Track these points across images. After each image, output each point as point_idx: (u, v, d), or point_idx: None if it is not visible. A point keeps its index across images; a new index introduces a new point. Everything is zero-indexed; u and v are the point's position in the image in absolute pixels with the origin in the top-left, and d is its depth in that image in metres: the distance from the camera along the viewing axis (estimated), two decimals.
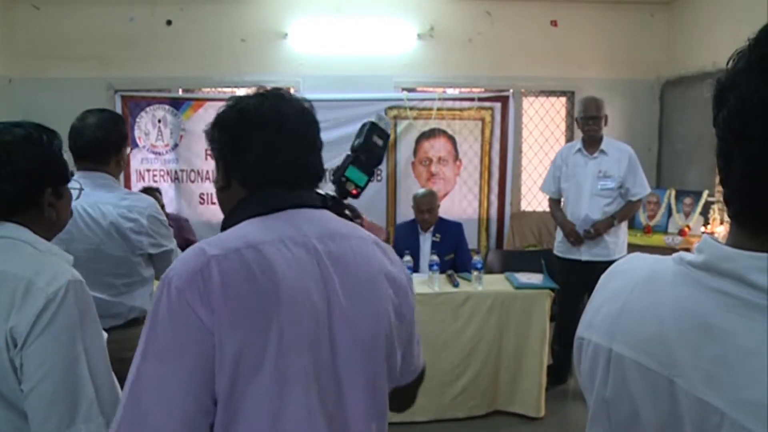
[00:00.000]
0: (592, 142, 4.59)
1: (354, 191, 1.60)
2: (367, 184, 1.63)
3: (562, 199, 4.82)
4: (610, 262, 3.43)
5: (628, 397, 0.89)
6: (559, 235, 4.76)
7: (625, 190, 4.54)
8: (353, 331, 1.22)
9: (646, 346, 0.86)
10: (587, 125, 4.54)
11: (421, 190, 5.05)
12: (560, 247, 4.72)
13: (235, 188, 1.30)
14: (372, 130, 1.67)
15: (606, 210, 4.54)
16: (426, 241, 4.83)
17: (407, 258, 4.32)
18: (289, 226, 1.24)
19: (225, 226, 1.27)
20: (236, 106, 1.33)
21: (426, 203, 4.83)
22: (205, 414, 1.08)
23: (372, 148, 1.65)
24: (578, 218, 4.57)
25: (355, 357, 1.21)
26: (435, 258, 4.26)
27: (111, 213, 2.50)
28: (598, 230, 4.50)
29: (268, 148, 1.28)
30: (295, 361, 1.13)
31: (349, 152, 1.65)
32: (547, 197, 4.92)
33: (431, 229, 4.85)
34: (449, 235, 4.85)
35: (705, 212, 5.81)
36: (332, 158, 1.70)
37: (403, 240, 4.87)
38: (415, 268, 4.66)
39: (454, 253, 4.79)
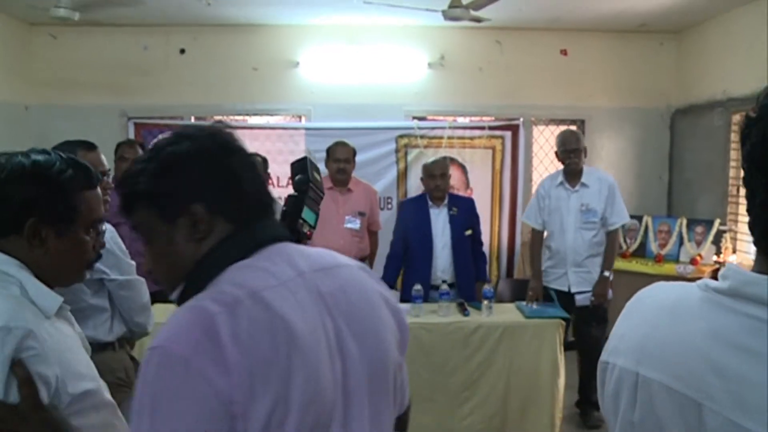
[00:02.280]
0: (573, 175, 4.59)
1: (309, 233, 1.49)
2: (316, 223, 1.53)
3: (545, 232, 4.78)
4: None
5: (655, 419, 0.90)
6: (543, 264, 4.75)
7: (604, 219, 4.54)
8: (365, 376, 1.12)
9: (674, 370, 0.88)
10: (568, 158, 4.54)
11: (431, 158, 4.81)
12: (547, 276, 4.69)
13: (220, 227, 1.14)
14: (311, 166, 1.57)
15: (593, 241, 4.53)
16: (440, 215, 4.57)
17: (417, 287, 4.24)
18: (285, 265, 1.11)
19: (198, 279, 1.11)
20: (196, 140, 1.16)
21: (439, 168, 4.55)
22: None
23: (316, 183, 1.56)
24: (564, 251, 4.56)
25: (365, 402, 1.12)
26: (445, 287, 4.23)
27: None
28: (602, 296, 4.52)
29: (253, 178, 1.17)
30: (316, 416, 1.02)
31: (293, 193, 1.53)
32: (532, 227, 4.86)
33: (445, 202, 4.60)
34: (464, 209, 4.64)
35: (717, 241, 5.78)
36: None
37: (411, 217, 4.62)
38: (427, 247, 4.50)
39: (471, 229, 4.62)
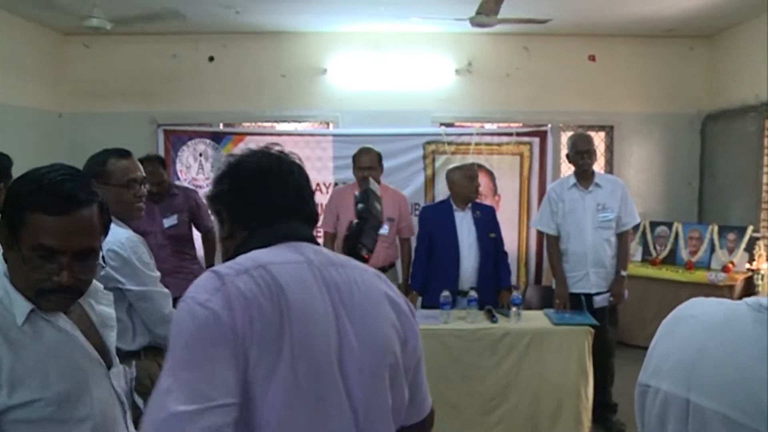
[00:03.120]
0: (585, 177, 4.57)
1: (366, 256, 1.68)
2: (374, 247, 1.73)
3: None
4: None
5: None
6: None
7: (618, 218, 4.52)
8: (361, 360, 1.26)
9: (731, 398, 0.83)
10: (582, 159, 4.52)
11: (457, 163, 4.92)
12: (567, 281, 4.64)
13: (239, 235, 1.40)
14: (373, 196, 1.78)
15: (612, 240, 4.52)
16: (464, 219, 4.57)
17: (445, 293, 4.22)
18: (294, 253, 1.32)
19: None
20: (249, 160, 1.44)
21: (471, 169, 4.65)
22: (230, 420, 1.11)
23: (375, 212, 1.77)
24: (583, 251, 4.53)
25: (362, 385, 1.26)
26: (473, 293, 4.22)
27: None
28: (620, 295, 4.51)
29: (278, 192, 1.40)
30: (304, 377, 1.19)
31: (355, 219, 1.76)
32: (545, 234, 4.80)
33: (468, 206, 4.61)
34: (486, 214, 4.68)
35: (750, 248, 5.69)
36: None
37: (436, 223, 4.62)
38: (454, 250, 4.50)
39: (495, 233, 4.63)
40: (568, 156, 4.63)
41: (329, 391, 1.21)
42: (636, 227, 6.10)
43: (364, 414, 1.25)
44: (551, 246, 4.70)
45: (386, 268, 4.72)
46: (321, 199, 5.30)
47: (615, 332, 4.58)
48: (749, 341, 0.84)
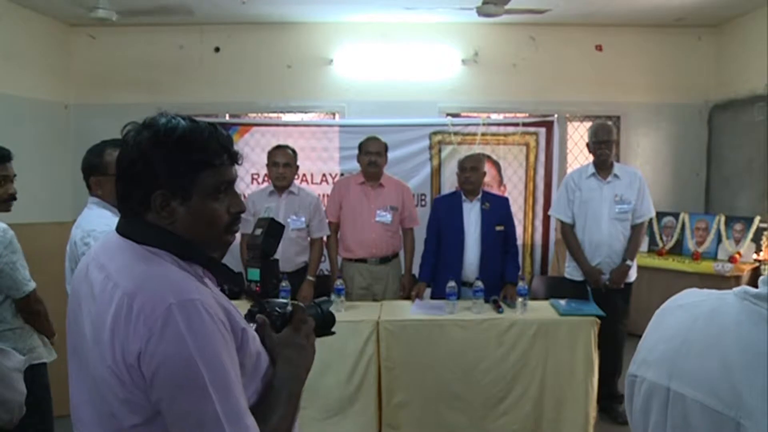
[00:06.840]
0: (604, 167, 4.56)
1: (257, 288, 1.56)
2: (264, 275, 1.57)
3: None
4: (629, 284, 3.37)
5: None
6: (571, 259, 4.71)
7: (634, 211, 4.53)
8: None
9: (709, 386, 0.82)
10: (599, 149, 4.53)
11: (465, 154, 4.94)
12: (578, 270, 4.65)
13: None
14: (272, 229, 1.63)
15: (626, 232, 4.53)
16: (472, 210, 4.60)
17: (451, 284, 4.22)
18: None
19: None
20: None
21: (470, 161, 4.64)
22: None
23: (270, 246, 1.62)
24: (599, 240, 4.53)
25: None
26: (479, 284, 4.20)
27: None
28: (618, 281, 4.50)
29: None
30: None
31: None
32: (560, 221, 4.80)
33: (478, 197, 4.64)
34: (497, 206, 4.67)
35: (757, 238, 5.67)
36: None
37: (444, 213, 4.66)
38: (459, 241, 4.55)
39: (503, 225, 4.63)
40: (588, 145, 4.63)
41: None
42: None
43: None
44: (567, 233, 4.70)
45: (390, 258, 4.73)
46: (327, 189, 5.32)
47: (626, 325, 4.59)
48: (730, 328, 0.83)
